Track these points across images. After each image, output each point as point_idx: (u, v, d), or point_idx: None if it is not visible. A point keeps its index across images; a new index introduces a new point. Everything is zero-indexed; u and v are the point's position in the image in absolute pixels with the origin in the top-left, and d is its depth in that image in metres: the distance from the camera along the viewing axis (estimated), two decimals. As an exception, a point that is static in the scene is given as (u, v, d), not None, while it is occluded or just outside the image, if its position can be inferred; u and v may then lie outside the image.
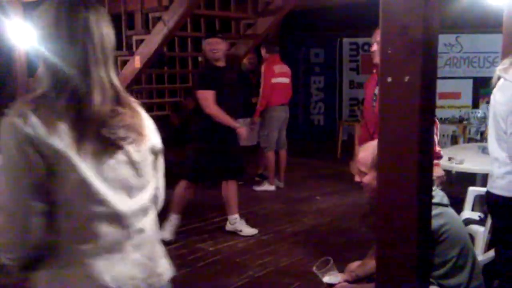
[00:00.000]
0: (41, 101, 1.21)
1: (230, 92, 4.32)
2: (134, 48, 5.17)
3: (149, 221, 1.40)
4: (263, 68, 5.88)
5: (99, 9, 1.28)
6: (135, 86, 5.43)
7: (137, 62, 4.82)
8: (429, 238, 1.61)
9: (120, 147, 1.27)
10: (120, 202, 1.29)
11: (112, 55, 1.30)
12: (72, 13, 1.23)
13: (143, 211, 1.37)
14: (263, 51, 5.97)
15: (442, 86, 7.63)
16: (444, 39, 8.22)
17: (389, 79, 1.50)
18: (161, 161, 1.48)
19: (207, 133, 4.25)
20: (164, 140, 1.49)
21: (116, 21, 5.48)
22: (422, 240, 1.54)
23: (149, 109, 5.98)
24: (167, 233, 4.14)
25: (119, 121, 1.27)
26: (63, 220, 1.23)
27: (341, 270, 2.52)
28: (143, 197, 1.37)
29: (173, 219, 4.25)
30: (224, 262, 3.91)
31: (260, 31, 5.95)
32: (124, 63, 5.20)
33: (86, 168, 1.20)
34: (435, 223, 2.01)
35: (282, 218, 5.00)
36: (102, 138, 1.23)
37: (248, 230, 4.46)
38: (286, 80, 5.99)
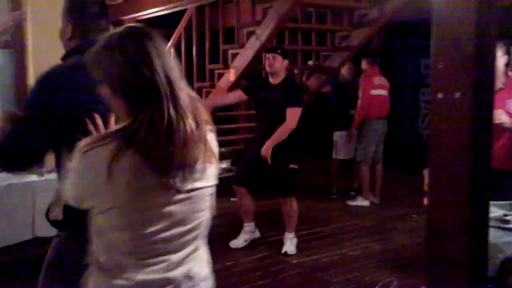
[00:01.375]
0: (116, 135, 1.18)
1: (263, 111, 4.28)
2: (229, 62, 5.38)
3: (194, 264, 1.32)
4: (362, 79, 5.79)
5: (157, 38, 1.23)
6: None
7: (231, 74, 4.99)
8: (484, 268, 1.48)
9: (177, 187, 1.20)
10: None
11: (179, 82, 1.22)
12: (138, 46, 1.20)
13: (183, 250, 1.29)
14: (363, 63, 5.88)
15: None
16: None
17: (440, 95, 1.42)
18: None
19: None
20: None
21: (215, 36, 5.78)
22: (474, 268, 1.42)
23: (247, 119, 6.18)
24: (240, 241, 4.34)
25: (184, 157, 1.18)
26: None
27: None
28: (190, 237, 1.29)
29: (246, 227, 4.44)
30: (305, 275, 3.88)
31: (354, 43, 5.87)
32: (220, 76, 5.42)
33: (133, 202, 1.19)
34: (510, 251, 1.86)
35: (372, 235, 4.84)
36: (158, 176, 1.17)
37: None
38: (384, 92, 5.83)
